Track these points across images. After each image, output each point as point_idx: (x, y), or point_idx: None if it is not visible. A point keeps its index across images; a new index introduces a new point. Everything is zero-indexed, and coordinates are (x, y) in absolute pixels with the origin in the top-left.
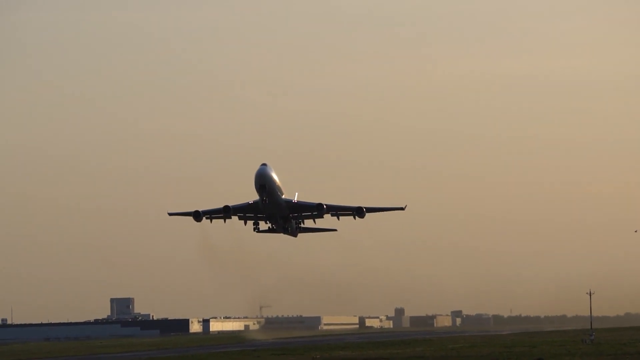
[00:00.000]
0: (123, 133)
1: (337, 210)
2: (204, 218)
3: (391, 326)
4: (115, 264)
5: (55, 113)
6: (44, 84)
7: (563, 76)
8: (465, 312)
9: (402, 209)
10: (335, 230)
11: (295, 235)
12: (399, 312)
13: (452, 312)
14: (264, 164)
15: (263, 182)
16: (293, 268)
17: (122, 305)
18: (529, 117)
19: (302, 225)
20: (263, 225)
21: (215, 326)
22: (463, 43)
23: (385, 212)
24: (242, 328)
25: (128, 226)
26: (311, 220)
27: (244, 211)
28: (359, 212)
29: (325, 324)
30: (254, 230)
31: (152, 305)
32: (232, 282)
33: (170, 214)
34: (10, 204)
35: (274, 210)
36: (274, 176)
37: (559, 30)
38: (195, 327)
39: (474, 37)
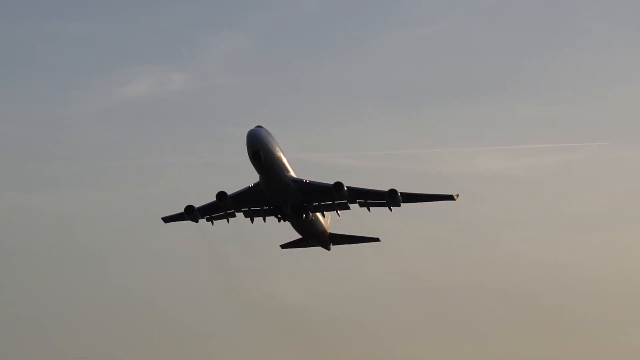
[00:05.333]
0: None
1: (366, 198)
2: (204, 220)
3: None
4: None
5: None
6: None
7: None
8: None
9: (452, 198)
10: (378, 240)
11: (328, 248)
12: None
13: None
14: (259, 126)
15: (256, 147)
16: None
17: None
18: None
19: (312, 214)
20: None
21: None
22: None
23: (430, 202)
24: None
25: None
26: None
27: (245, 200)
28: (391, 197)
29: None
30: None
31: None
32: None
33: (164, 220)
34: None
35: (281, 194)
36: (273, 143)
37: None
38: None
39: None
